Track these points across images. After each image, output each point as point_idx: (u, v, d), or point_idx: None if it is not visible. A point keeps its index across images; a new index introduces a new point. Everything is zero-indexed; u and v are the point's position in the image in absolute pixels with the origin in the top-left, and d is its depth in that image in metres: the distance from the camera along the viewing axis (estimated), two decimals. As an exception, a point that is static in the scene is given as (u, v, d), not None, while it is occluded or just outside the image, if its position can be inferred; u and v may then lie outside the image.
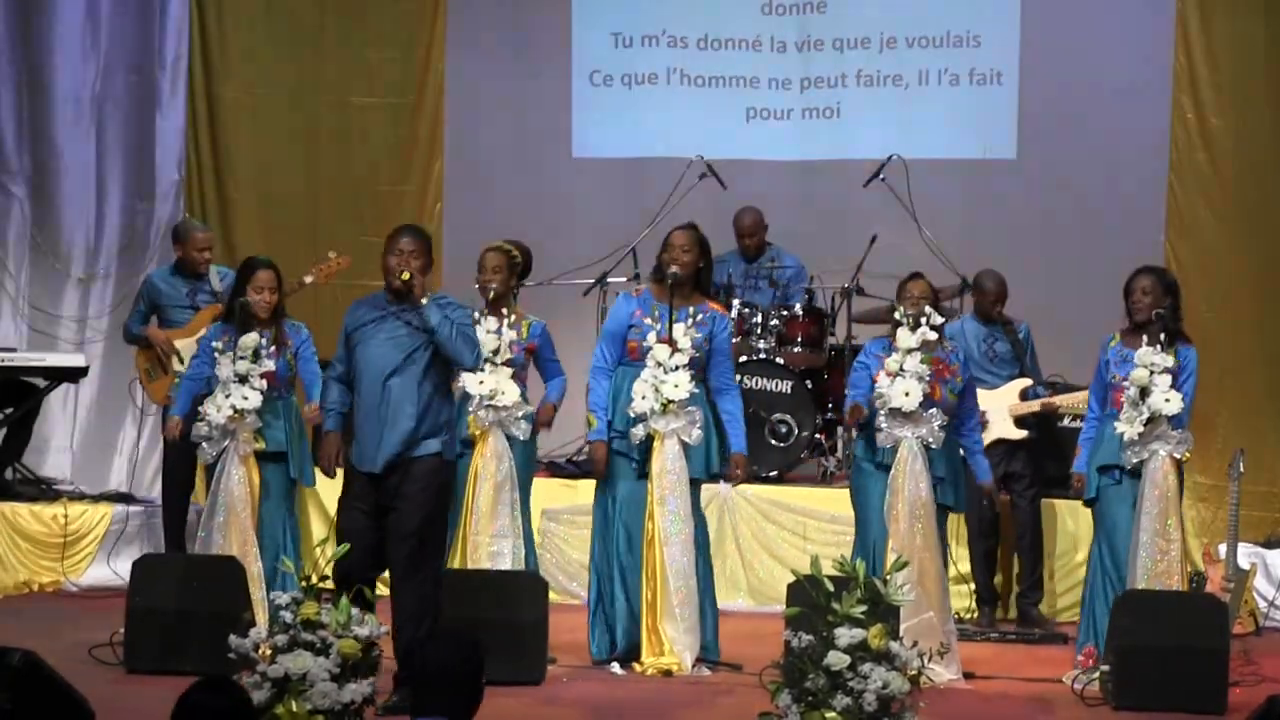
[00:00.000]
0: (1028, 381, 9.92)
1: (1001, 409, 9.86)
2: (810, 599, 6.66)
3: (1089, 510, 8.57)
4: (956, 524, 9.49)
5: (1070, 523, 10.13)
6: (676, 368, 8.18)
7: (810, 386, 10.62)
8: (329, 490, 10.24)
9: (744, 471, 8.50)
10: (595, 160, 12.20)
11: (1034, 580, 9.95)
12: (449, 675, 4.82)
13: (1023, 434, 9.87)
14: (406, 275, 7.31)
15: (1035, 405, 9.86)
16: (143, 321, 9.92)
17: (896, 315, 8.22)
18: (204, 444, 8.23)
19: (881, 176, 10.96)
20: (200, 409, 8.31)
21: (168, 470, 9.94)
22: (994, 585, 9.96)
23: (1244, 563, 9.38)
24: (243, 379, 8.18)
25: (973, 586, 9.90)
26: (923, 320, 8.14)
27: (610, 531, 8.31)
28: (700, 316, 8.30)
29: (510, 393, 8.36)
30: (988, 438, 9.85)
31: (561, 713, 7.47)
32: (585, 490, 10.24)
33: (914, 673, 6.64)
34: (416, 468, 7.30)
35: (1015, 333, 9.98)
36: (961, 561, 9.73)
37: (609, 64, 12.22)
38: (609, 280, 10.86)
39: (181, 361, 9.54)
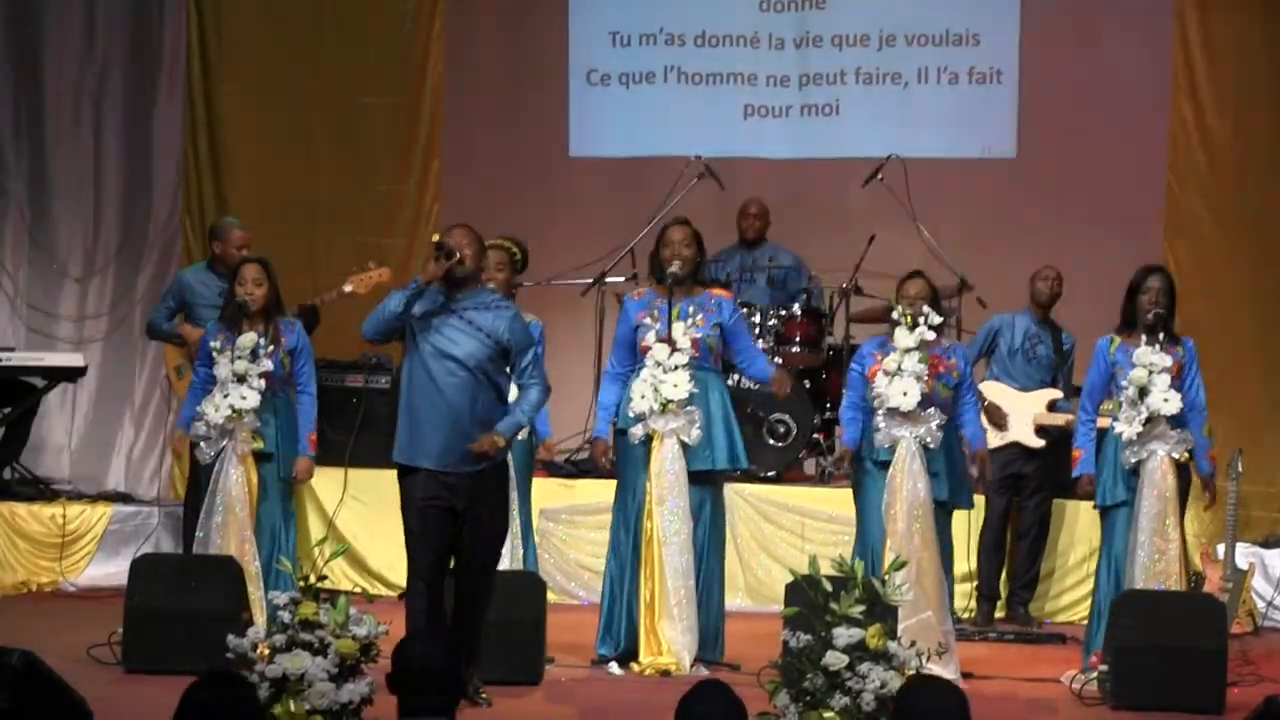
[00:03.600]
0: (1058, 393, 9.89)
1: (1026, 414, 9.84)
2: (808, 599, 6.66)
3: (1091, 510, 8.56)
4: (967, 520, 9.48)
5: (1072, 523, 10.12)
6: (676, 367, 8.17)
7: (808, 386, 10.62)
8: (327, 490, 10.26)
9: (784, 382, 8.65)
10: (593, 159, 12.21)
11: (1027, 580, 9.96)
12: (434, 675, 4.84)
13: (1040, 443, 9.85)
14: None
15: (1060, 420, 9.80)
16: (169, 318, 9.90)
17: (894, 315, 8.21)
18: (201, 444, 8.23)
19: (880, 176, 10.96)
20: (198, 408, 8.31)
21: (193, 472, 9.91)
22: (998, 584, 9.95)
23: (1242, 563, 9.38)
24: (241, 379, 8.17)
25: (973, 585, 9.90)
26: (920, 320, 8.13)
27: (628, 528, 8.31)
28: (707, 306, 8.32)
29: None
30: (1005, 439, 9.84)
31: (560, 713, 7.47)
32: (583, 490, 10.27)
33: (912, 672, 6.64)
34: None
35: (1061, 342, 9.95)
36: (961, 561, 9.71)
37: (606, 63, 12.22)
38: (607, 280, 10.86)
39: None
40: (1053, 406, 9.89)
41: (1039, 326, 9.99)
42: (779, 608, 7.19)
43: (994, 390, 9.85)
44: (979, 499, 9.83)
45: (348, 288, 9.73)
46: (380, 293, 10.33)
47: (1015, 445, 9.87)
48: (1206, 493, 8.36)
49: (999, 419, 9.82)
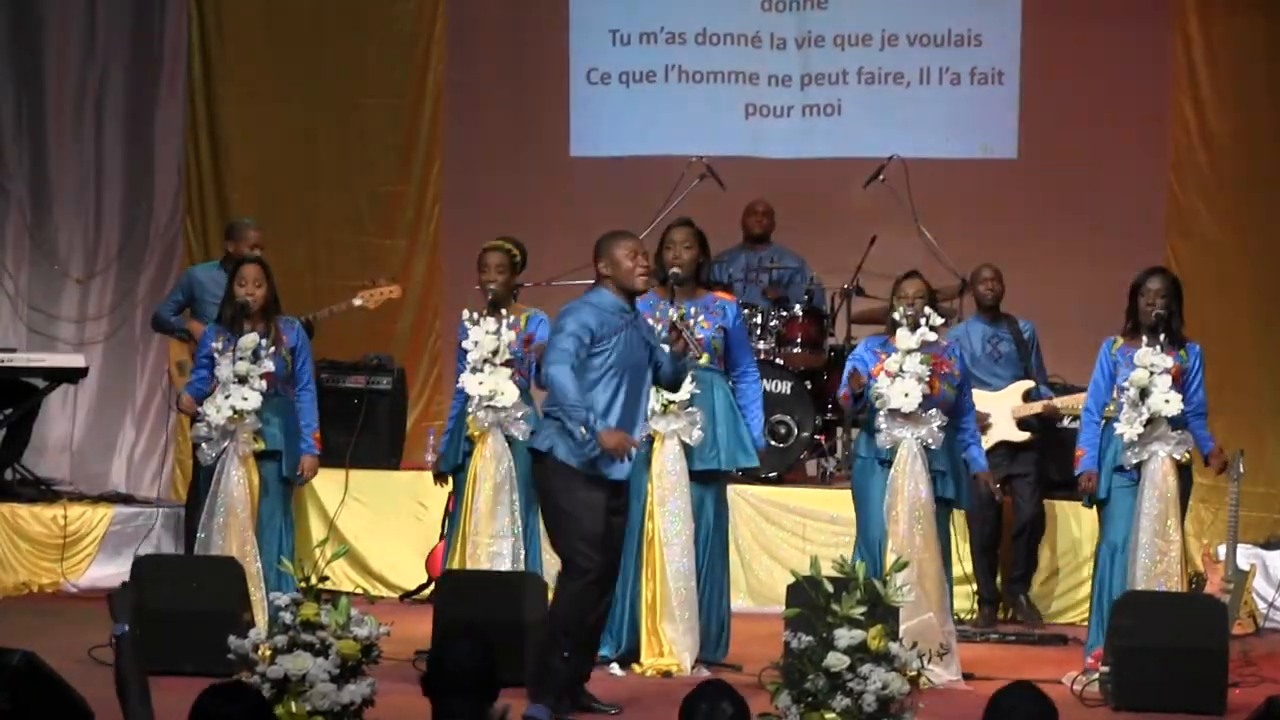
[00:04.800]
0: (1030, 383, 9.89)
1: (1004, 411, 9.83)
2: (810, 600, 6.66)
3: (1091, 511, 8.57)
4: (958, 523, 9.48)
5: (1072, 524, 10.12)
6: (677, 368, 8.17)
7: (809, 387, 10.61)
8: (328, 491, 10.26)
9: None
10: (593, 159, 12.19)
11: (1023, 571, 9.91)
12: (469, 677, 4.82)
13: (1024, 436, 9.84)
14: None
15: (1037, 407, 9.83)
16: (176, 311, 9.91)
17: (895, 315, 8.21)
18: (203, 444, 8.23)
19: (881, 178, 10.95)
20: (199, 409, 8.32)
21: (195, 473, 9.90)
22: (995, 585, 9.95)
23: (1243, 564, 9.37)
24: (242, 379, 8.17)
25: (974, 587, 9.89)
26: (922, 321, 8.13)
27: (630, 530, 8.31)
28: (711, 309, 8.33)
29: (509, 394, 8.35)
30: (990, 440, 9.81)
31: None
32: (584, 491, 10.25)
33: (913, 673, 6.64)
34: None
35: (1020, 332, 9.96)
36: (962, 562, 9.71)
37: (607, 61, 12.21)
38: (609, 281, 10.83)
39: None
40: (1028, 397, 9.89)
41: (994, 326, 9.98)
42: (780, 609, 7.19)
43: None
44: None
45: (357, 302, 9.73)
46: (389, 309, 10.37)
47: (1002, 444, 9.85)
48: (1216, 466, 8.37)
49: (981, 425, 9.79)
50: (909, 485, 8.04)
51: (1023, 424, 9.87)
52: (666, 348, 7.39)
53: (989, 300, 9.98)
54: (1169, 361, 8.15)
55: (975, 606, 9.86)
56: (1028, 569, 9.94)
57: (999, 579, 9.99)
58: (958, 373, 8.30)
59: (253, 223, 10.04)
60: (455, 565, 8.34)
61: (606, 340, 7.20)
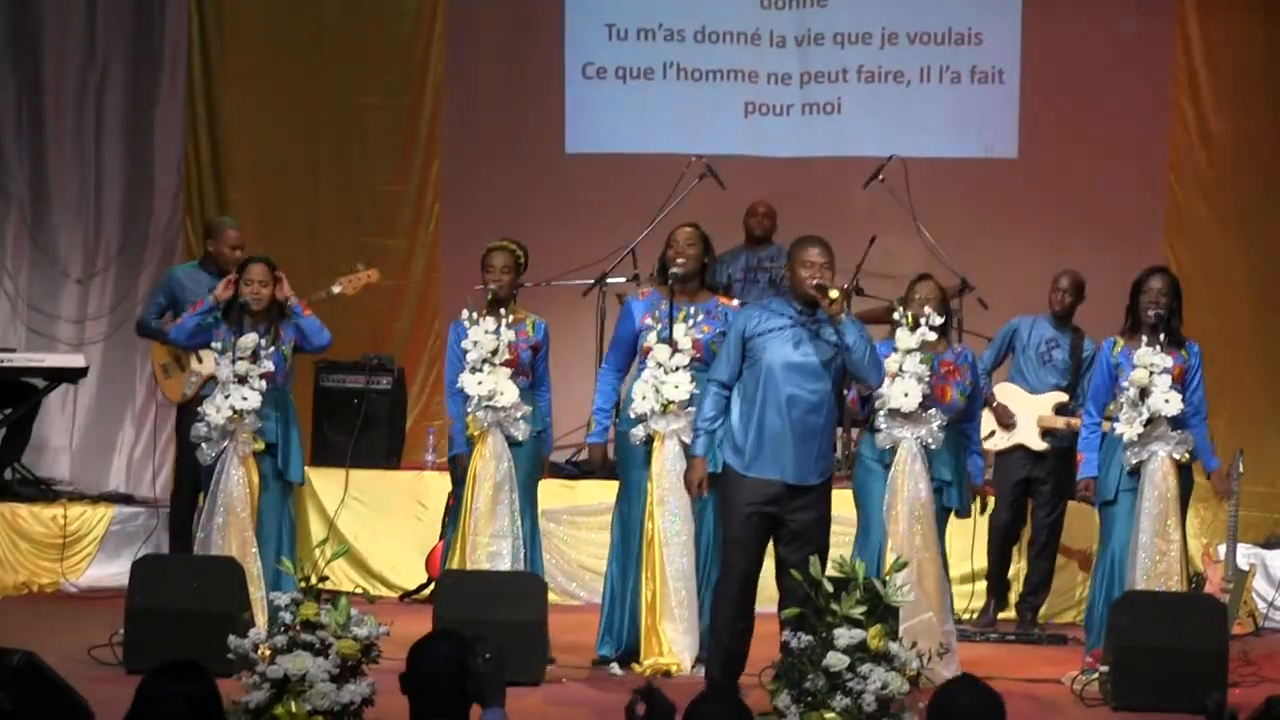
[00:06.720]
0: (1065, 397, 9.72)
1: (1031, 417, 9.75)
2: (809, 600, 6.66)
3: (1092, 511, 8.57)
4: (962, 523, 9.47)
5: (1074, 523, 10.09)
6: (677, 368, 8.18)
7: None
8: (329, 490, 10.27)
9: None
10: (589, 156, 12.15)
11: (1036, 585, 9.85)
12: (446, 678, 4.82)
13: (1044, 446, 9.74)
14: (835, 294, 7.19)
15: (1059, 423, 9.69)
16: (159, 315, 9.92)
17: (896, 316, 8.21)
18: (203, 444, 8.24)
19: (881, 178, 10.94)
20: (199, 409, 8.33)
21: (181, 468, 9.92)
22: (1007, 580, 9.91)
23: (1243, 564, 9.38)
24: (242, 379, 8.18)
25: (974, 587, 9.87)
26: (922, 321, 8.13)
27: (630, 530, 8.32)
28: (714, 313, 8.32)
29: (509, 393, 8.35)
30: (1010, 440, 9.77)
31: (560, 713, 7.47)
32: (585, 491, 10.27)
33: (913, 673, 6.65)
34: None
35: (1080, 348, 9.76)
36: (962, 563, 9.69)
37: (603, 57, 12.17)
38: (608, 281, 10.84)
39: (199, 360, 9.55)
40: (1059, 410, 9.80)
41: (1057, 331, 9.81)
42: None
43: (1006, 392, 9.79)
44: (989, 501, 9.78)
45: (336, 289, 9.73)
46: (369, 294, 10.36)
47: (1021, 448, 9.82)
48: (1219, 489, 8.35)
49: (1007, 420, 9.77)
50: (909, 485, 8.05)
51: (1045, 434, 9.80)
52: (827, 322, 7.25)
53: (1056, 309, 9.79)
54: (1169, 361, 8.15)
55: (973, 607, 9.80)
56: (1040, 584, 9.83)
57: (1011, 573, 9.96)
58: (970, 381, 8.29)
59: (232, 222, 10.08)
60: (455, 565, 8.35)
61: (759, 338, 7.25)
